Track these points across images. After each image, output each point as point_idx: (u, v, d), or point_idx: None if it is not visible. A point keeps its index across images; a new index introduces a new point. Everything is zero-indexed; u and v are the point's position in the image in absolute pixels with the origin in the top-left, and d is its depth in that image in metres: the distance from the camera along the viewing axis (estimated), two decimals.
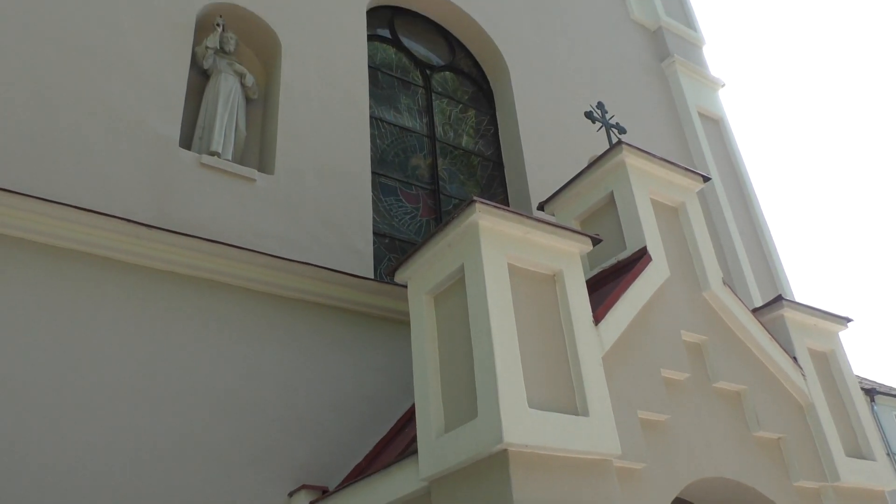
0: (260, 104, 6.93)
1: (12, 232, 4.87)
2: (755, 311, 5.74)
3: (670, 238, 5.25)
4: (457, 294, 4.08)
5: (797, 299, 9.56)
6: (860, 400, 5.60)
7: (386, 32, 8.62)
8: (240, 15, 7.00)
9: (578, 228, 5.23)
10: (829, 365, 5.74)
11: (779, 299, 5.71)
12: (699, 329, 4.92)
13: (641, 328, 4.55)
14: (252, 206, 6.00)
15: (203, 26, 6.80)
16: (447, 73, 8.93)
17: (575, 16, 10.60)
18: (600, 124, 6.89)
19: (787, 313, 5.66)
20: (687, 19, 12.35)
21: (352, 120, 7.05)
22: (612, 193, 5.38)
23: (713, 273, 5.20)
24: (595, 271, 5.30)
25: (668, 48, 11.39)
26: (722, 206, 9.76)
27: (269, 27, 7.05)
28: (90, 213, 5.04)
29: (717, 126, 11.06)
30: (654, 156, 5.45)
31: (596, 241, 4.42)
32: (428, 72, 8.68)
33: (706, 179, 5.72)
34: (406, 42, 8.73)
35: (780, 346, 5.32)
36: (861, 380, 18.05)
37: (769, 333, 5.29)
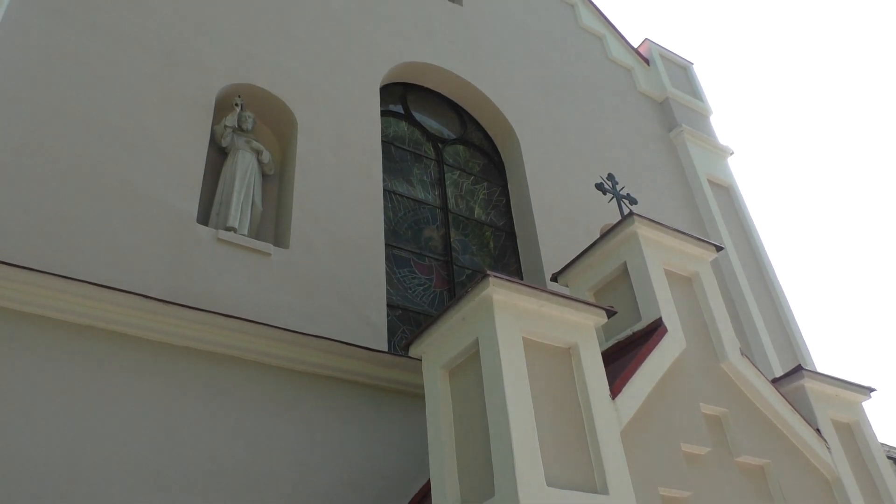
0: (276, 179, 7.09)
1: (27, 308, 4.94)
2: (775, 381, 5.67)
3: (685, 308, 5.24)
4: (472, 368, 4.07)
5: (818, 368, 9.41)
6: (888, 472, 5.45)
7: (399, 108, 8.86)
8: (257, 94, 7.24)
9: (592, 300, 5.24)
10: (854, 436, 5.61)
11: (798, 369, 5.64)
12: (719, 401, 4.86)
13: (660, 401, 4.49)
14: (267, 280, 6.07)
15: (222, 106, 7.04)
16: (459, 145, 9.13)
17: (583, 88, 10.88)
18: (611, 195, 6.97)
19: (808, 384, 5.58)
20: (693, 90, 12.63)
21: (365, 193, 7.19)
22: (625, 264, 5.41)
23: (730, 343, 5.16)
24: (610, 343, 5.27)
25: (676, 118, 11.61)
26: (737, 274, 9.74)
27: (286, 105, 7.28)
28: (106, 289, 5.12)
29: (727, 193, 11.16)
30: (666, 226, 5.49)
31: (610, 313, 4.43)
32: (440, 145, 8.87)
33: (719, 249, 5.74)
34: (418, 117, 8.97)
35: (803, 418, 5.23)
36: (888, 448, 17.56)
37: (790, 405, 5.21)
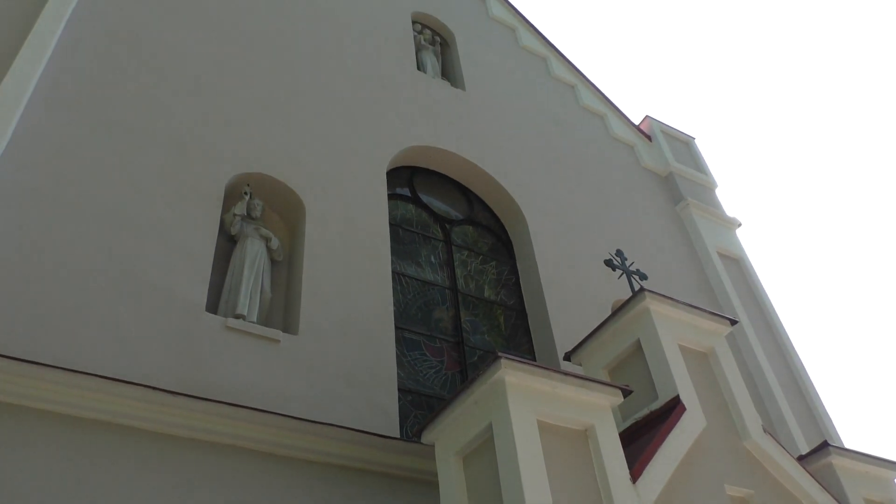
0: (285, 265, 7.14)
1: (29, 403, 4.89)
2: (801, 459, 5.49)
3: (703, 385, 5.14)
4: (486, 454, 3.98)
5: (845, 444, 9.13)
6: None
7: (406, 191, 9.00)
8: (266, 182, 7.39)
9: (607, 379, 5.16)
10: None
11: (825, 445, 5.47)
12: (744, 482, 4.70)
13: (682, 484, 4.35)
14: (276, 367, 6.02)
15: (231, 195, 7.17)
16: (466, 226, 9.21)
17: (587, 166, 11.05)
18: (621, 271, 6.97)
19: (836, 461, 5.41)
20: (696, 164, 12.80)
21: (374, 276, 7.21)
22: (638, 341, 5.35)
23: (752, 420, 5.04)
24: (628, 423, 5.15)
25: (681, 192, 11.72)
26: (753, 347, 9.60)
27: (294, 191, 7.40)
28: (112, 382, 5.08)
29: (737, 265, 11.13)
30: (678, 301, 5.46)
31: (626, 393, 4.35)
32: (447, 226, 8.96)
33: (733, 322, 5.69)
34: (425, 199, 9.09)
35: (834, 499, 5.04)
36: None
37: (820, 484, 5.03)
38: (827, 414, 9.38)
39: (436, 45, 11.44)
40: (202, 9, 8.61)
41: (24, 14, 7.02)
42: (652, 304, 5.33)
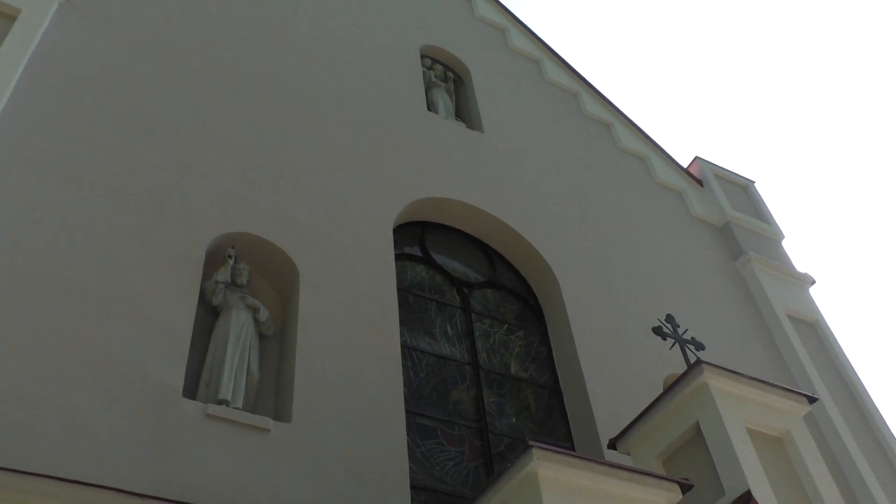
0: (276, 340, 7.15)
1: None
2: None
3: (778, 476, 5.05)
4: None
5: None
6: None
7: (416, 250, 9.06)
8: (253, 243, 7.46)
9: (661, 472, 5.06)
10: None
11: None
12: None
13: None
14: (266, 462, 5.96)
15: (213, 259, 7.23)
16: (488, 290, 9.21)
17: (628, 217, 11.09)
18: (673, 340, 6.92)
19: None
20: (757, 212, 12.80)
21: (381, 352, 7.19)
22: (697, 425, 5.29)
23: None
24: None
25: (741, 245, 11.70)
26: (837, 427, 9.40)
27: (285, 254, 7.46)
28: (72, 484, 5.03)
29: (813, 330, 11.00)
30: (743, 375, 5.41)
31: (686, 488, 4.26)
32: (465, 290, 8.97)
33: (812, 400, 5.60)
34: (439, 259, 9.13)
35: None
36: None
37: None
38: None
39: (448, 81, 11.68)
40: (180, 46, 8.88)
41: None
42: (712, 380, 5.28)
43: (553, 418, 8.30)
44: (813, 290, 11.83)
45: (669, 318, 6.87)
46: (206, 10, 9.56)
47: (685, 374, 5.38)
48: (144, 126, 7.76)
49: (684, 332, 6.87)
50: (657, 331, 6.61)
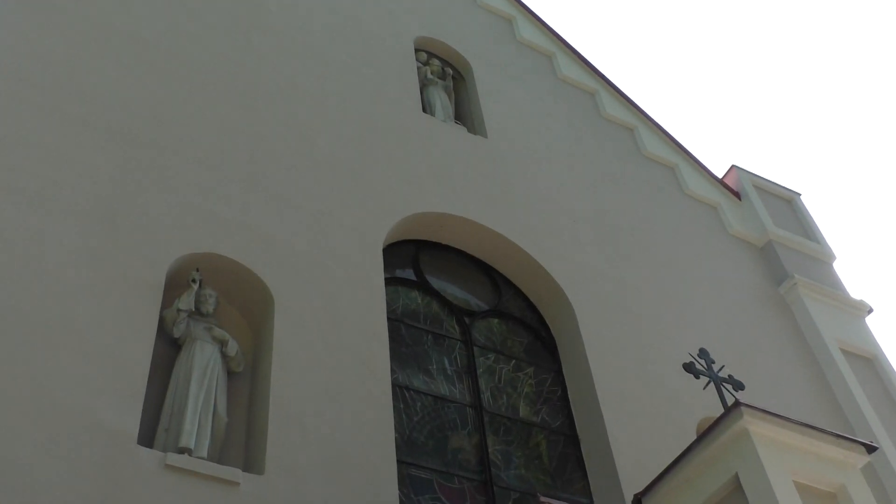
0: (246, 378, 7.13)
1: None
2: None
3: None
4: None
5: None
6: None
7: (409, 273, 9.06)
8: (221, 265, 7.45)
9: None
10: None
11: None
12: None
13: None
14: None
15: (174, 284, 7.22)
16: (492, 319, 9.21)
17: (654, 234, 11.10)
18: (707, 379, 6.91)
19: None
20: (804, 229, 12.82)
21: (368, 391, 7.17)
22: (737, 477, 5.29)
23: None
24: None
25: (785, 267, 11.71)
26: None
27: (258, 278, 7.45)
28: None
29: (870, 367, 10.98)
30: (789, 420, 5.42)
31: None
32: (467, 320, 8.96)
33: (871, 449, 5.59)
34: (435, 283, 9.13)
35: None
36: None
37: None
38: None
39: (447, 79, 11.76)
40: (136, 37, 8.91)
41: None
42: (753, 425, 5.28)
43: (569, 469, 8.27)
44: (870, 320, 11.83)
45: (703, 353, 6.86)
46: None
47: (722, 417, 5.38)
48: (94, 129, 7.77)
49: (720, 369, 6.86)
50: (689, 367, 6.59)
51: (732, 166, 13.34)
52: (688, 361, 6.60)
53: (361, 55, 10.78)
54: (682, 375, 9.11)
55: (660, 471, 6.44)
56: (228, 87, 9.09)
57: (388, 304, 8.37)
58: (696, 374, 6.48)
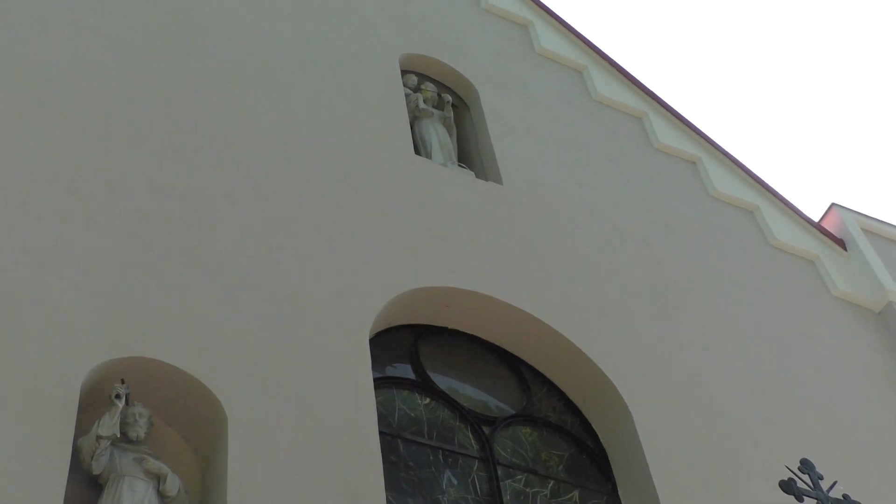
0: None
1: None
2: None
3: None
4: None
5: None
6: None
7: (406, 370, 9.03)
8: (154, 374, 7.43)
9: None
10: None
11: None
12: None
13: None
14: None
15: (93, 401, 7.17)
16: (521, 428, 9.15)
17: (731, 303, 11.05)
18: (815, 501, 6.86)
19: None
20: None
21: None
22: None
23: None
24: None
25: None
26: None
27: (206, 388, 7.41)
28: None
29: None
30: None
31: None
32: (486, 430, 8.90)
33: None
34: (442, 382, 9.09)
35: None
36: None
37: None
38: None
39: (446, 108, 11.74)
40: (39, 75, 9.01)
41: None
42: None
43: None
44: None
45: (806, 465, 6.82)
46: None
47: None
48: None
49: (831, 487, 6.81)
50: (787, 486, 6.55)
51: (832, 205, 13.30)
52: (786, 478, 6.55)
53: (331, 78, 10.82)
54: (779, 496, 9.02)
55: None
56: (158, 133, 9.10)
57: (379, 413, 8.32)
58: (799, 496, 6.43)
